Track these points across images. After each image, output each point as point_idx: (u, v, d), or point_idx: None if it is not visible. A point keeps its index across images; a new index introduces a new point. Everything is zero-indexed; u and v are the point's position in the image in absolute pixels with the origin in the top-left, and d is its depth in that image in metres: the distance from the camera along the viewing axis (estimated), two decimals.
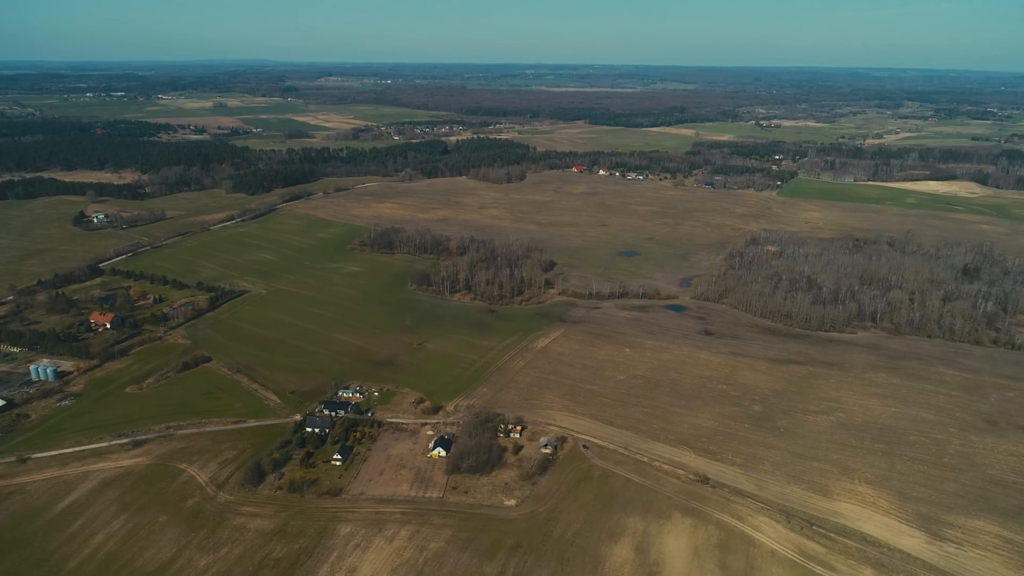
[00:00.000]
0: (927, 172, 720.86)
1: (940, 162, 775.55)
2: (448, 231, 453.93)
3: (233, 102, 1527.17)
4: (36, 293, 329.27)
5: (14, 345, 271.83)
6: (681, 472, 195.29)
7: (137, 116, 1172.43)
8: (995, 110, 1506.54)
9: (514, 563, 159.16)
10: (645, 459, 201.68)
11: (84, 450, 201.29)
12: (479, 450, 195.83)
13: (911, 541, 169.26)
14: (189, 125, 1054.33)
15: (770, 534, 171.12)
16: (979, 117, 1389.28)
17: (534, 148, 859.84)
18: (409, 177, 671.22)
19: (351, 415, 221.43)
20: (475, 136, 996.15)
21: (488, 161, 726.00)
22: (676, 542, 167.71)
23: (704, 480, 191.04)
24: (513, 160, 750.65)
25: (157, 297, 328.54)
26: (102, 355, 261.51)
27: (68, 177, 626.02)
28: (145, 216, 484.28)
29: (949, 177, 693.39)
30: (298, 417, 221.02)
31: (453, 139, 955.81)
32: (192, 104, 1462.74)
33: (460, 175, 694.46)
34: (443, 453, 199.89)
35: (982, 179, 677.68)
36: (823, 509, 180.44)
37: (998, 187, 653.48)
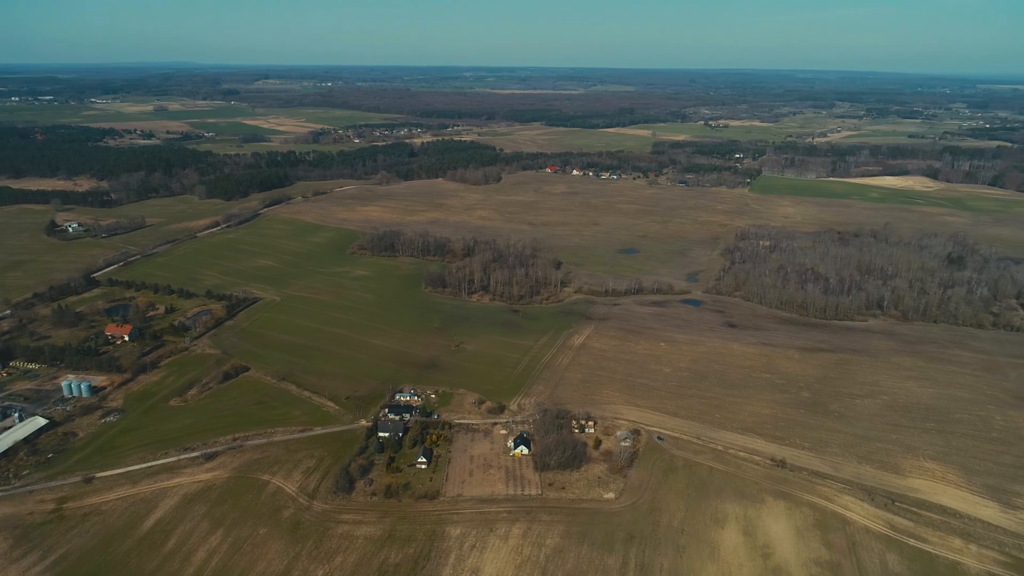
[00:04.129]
0: (880, 168, 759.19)
1: (889, 159, 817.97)
2: (445, 233, 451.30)
3: (174, 106, 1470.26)
4: (35, 306, 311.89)
5: (31, 361, 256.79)
6: (758, 458, 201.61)
7: (74, 121, 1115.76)
8: (920, 109, 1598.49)
9: (634, 554, 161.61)
10: (720, 447, 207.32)
11: (153, 466, 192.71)
12: (563, 446, 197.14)
13: (988, 511, 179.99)
14: (135, 130, 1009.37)
15: (859, 512, 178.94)
16: (908, 116, 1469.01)
17: (501, 149, 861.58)
18: (385, 180, 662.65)
19: (419, 418, 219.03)
20: (437, 139, 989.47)
21: (461, 163, 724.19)
22: (777, 524, 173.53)
23: (782, 464, 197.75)
24: (486, 162, 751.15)
25: (168, 307, 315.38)
26: (133, 368, 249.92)
27: (17, 185, 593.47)
28: (124, 224, 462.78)
29: (902, 172, 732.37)
30: (364, 423, 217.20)
31: (416, 141, 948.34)
32: (131, 108, 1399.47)
33: (436, 177, 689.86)
34: (525, 451, 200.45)
35: (932, 174, 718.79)
36: (899, 486, 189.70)
37: (948, 181, 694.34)
